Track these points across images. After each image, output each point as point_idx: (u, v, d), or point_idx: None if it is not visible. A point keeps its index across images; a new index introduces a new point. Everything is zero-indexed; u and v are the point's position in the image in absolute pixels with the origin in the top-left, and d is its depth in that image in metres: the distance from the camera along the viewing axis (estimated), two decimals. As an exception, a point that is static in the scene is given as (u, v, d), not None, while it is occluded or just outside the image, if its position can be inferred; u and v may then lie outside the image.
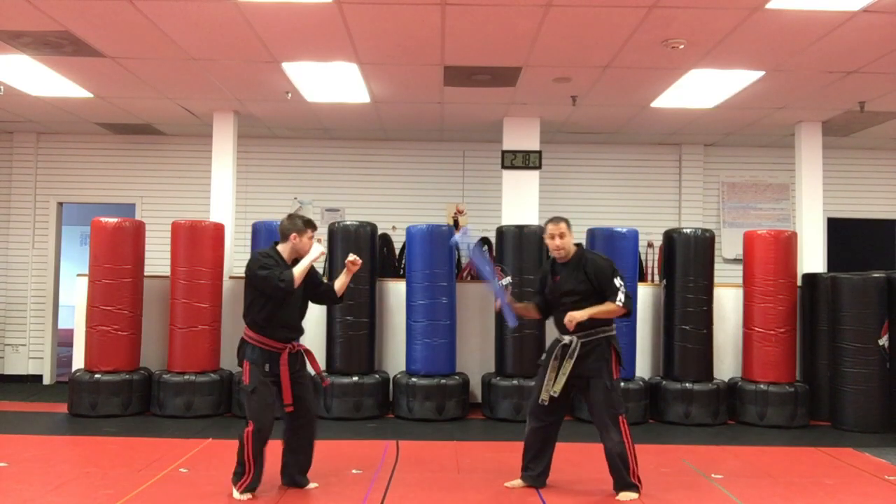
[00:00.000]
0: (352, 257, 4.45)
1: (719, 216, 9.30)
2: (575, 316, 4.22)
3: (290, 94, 7.03)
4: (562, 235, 4.44)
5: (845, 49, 5.56)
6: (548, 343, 4.88)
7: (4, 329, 9.08)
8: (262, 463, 4.29)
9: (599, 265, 4.42)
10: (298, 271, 4.24)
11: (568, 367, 4.30)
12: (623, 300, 4.32)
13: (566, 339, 4.37)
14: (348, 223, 7.35)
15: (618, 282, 4.35)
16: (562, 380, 4.31)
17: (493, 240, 7.62)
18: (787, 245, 7.03)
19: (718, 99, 7.07)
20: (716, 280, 7.27)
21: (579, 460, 5.31)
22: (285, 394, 4.26)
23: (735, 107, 7.34)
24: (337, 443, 5.75)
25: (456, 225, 8.97)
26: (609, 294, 4.35)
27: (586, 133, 8.78)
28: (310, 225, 4.38)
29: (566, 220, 4.48)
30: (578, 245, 4.55)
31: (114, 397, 6.76)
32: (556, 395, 4.34)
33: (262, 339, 4.27)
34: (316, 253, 4.30)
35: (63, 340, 9.37)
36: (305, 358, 4.50)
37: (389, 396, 7.19)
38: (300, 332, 4.45)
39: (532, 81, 6.59)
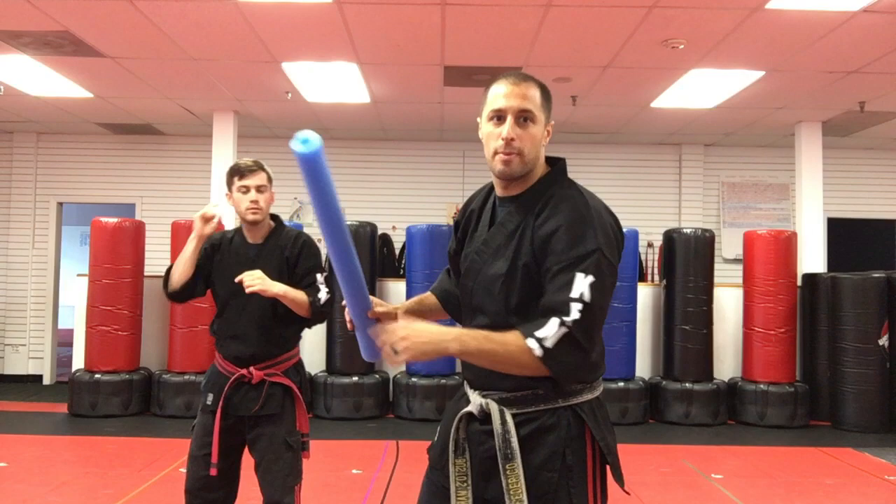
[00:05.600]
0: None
1: (719, 216, 9.30)
2: (410, 351, 1.64)
3: (290, 94, 7.03)
4: (526, 115, 1.74)
5: (845, 49, 5.56)
6: None
7: (4, 329, 9.07)
8: None
9: (567, 220, 1.68)
10: (176, 264, 2.86)
11: (518, 482, 1.67)
12: (552, 343, 1.59)
13: (476, 401, 1.78)
14: (348, 223, 7.35)
15: (578, 287, 1.60)
16: None
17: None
18: (787, 245, 7.03)
19: (718, 99, 7.06)
20: (716, 280, 7.27)
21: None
22: (213, 447, 2.73)
23: (735, 107, 7.34)
24: (337, 443, 5.75)
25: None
26: (546, 303, 1.64)
27: (586, 133, 8.78)
28: (234, 172, 2.84)
29: (541, 85, 1.80)
30: (559, 161, 1.85)
31: (114, 397, 6.76)
32: None
33: (217, 354, 2.91)
34: (194, 228, 2.80)
35: (63, 340, 9.37)
36: (288, 400, 2.81)
37: (389, 396, 7.19)
38: (262, 348, 2.79)
39: (532, 81, 6.59)
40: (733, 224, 9.24)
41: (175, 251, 7.04)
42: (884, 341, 6.65)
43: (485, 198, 1.91)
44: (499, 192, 1.85)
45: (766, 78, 6.34)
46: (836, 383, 6.78)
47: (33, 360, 9.04)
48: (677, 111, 7.61)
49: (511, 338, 1.62)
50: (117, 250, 6.94)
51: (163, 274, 3.00)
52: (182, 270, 2.80)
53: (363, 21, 5.17)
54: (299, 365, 2.92)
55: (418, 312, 2.04)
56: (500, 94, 1.76)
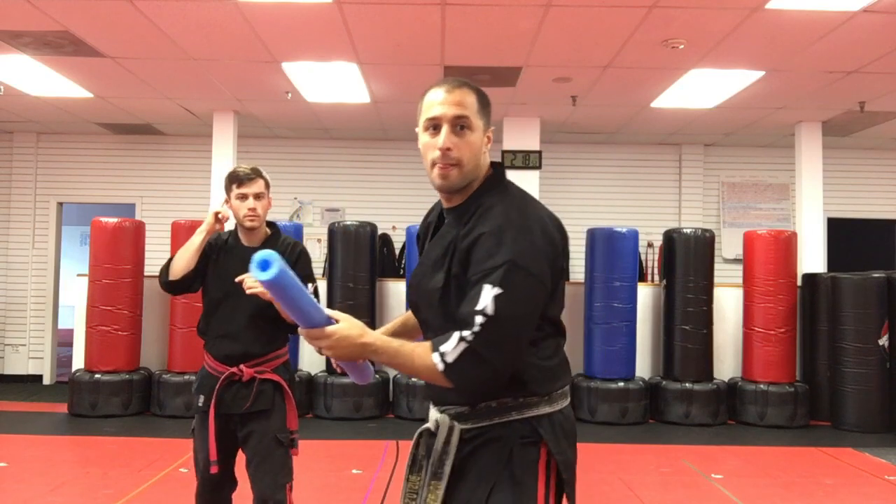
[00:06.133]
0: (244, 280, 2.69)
1: (719, 216, 9.30)
2: (334, 355, 1.64)
3: (290, 94, 7.03)
4: (462, 123, 1.69)
5: (845, 49, 5.56)
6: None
7: (4, 329, 9.07)
8: None
9: (487, 229, 1.64)
10: (180, 255, 2.87)
11: (435, 501, 1.69)
12: (452, 357, 1.55)
13: (433, 416, 1.78)
14: (348, 223, 7.35)
15: (483, 299, 1.55)
16: None
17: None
18: (787, 245, 7.03)
19: (718, 99, 7.06)
20: (716, 280, 7.26)
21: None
22: (210, 446, 2.77)
23: (735, 107, 7.34)
24: (337, 443, 5.76)
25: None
26: (456, 316, 1.60)
27: (586, 133, 8.78)
28: (233, 179, 2.87)
29: (477, 90, 1.75)
30: (496, 165, 1.80)
31: (114, 397, 6.76)
32: None
33: (206, 355, 2.99)
34: (205, 223, 2.82)
35: (63, 340, 9.37)
36: (278, 396, 2.84)
37: (389, 396, 7.19)
38: (253, 346, 2.84)
39: (532, 81, 6.59)
40: (733, 224, 9.24)
41: (175, 251, 7.03)
42: (884, 341, 6.65)
43: (439, 210, 1.88)
44: (443, 203, 1.81)
45: (766, 78, 6.34)
46: (836, 383, 6.78)
47: (33, 360, 9.04)
48: (677, 111, 7.61)
49: (420, 350, 1.60)
50: (117, 250, 6.95)
51: (161, 269, 3.02)
52: (187, 260, 2.83)
53: (363, 21, 5.17)
54: (287, 363, 2.95)
55: (403, 334, 2.01)
56: (434, 102, 1.70)
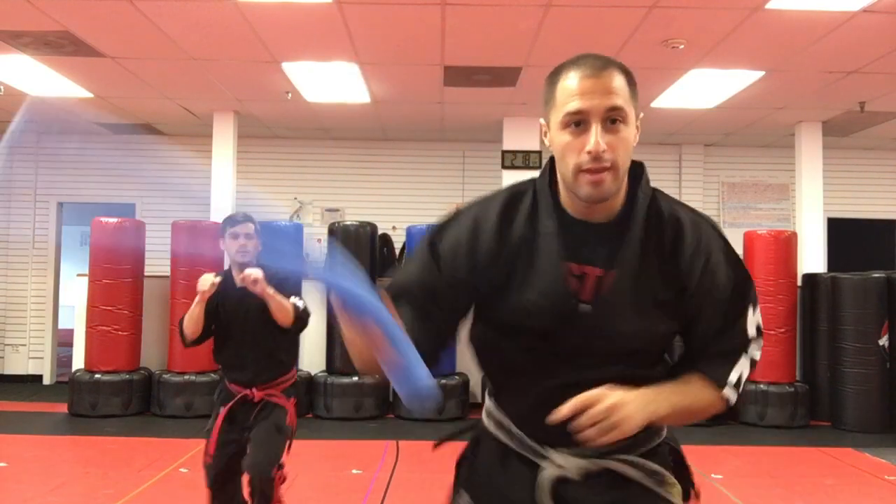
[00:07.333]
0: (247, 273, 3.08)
1: (719, 216, 9.29)
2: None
3: (290, 94, 7.03)
4: (615, 116, 1.36)
5: (845, 49, 5.56)
6: None
7: (4, 329, 9.07)
8: None
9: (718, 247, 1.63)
10: (187, 322, 3.25)
11: None
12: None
13: (557, 462, 1.43)
14: (348, 223, 7.36)
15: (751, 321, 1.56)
16: None
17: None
18: (787, 245, 7.03)
19: (718, 99, 7.06)
20: (716, 280, 7.26)
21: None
22: (210, 442, 3.30)
23: (735, 107, 7.33)
24: (337, 443, 5.76)
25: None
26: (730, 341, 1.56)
27: (586, 133, 8.77)
28: (227, 222, 3.26)
29: (625, 69, 1.39)
30: (638, 166, 1.59)
31: (114, 397, 6.76)
32: None
33: (222, 374, 3.43)
34: (198, 297, 3.18)
35: (63, 340, 9.37)
36: (280, 411, 3.26)
37: (389, 396, 7.19)
38: (260, 375, 3.24)
39: (532, 81, 6.58)
40: (733, 224, 9.23)
41: (175, 251, 7.04)
42: (884, 341, 6.64)
43: (529, 216, 1.41)
44: (571, 214, 1.41)
45: (766, 78, 6.34)
46: (836, 383, 6.78)
47: (33, 360, 9.04)
48: (677, 111, 7.61)
49: (696, 381, 1.54)
50: (117, 250, 6.95)
51: (160, 274, 3.29)
52: (193, 327, 3.24)
53: (363, 21, 5.17)
54: (296, 384, 3.39)
55: None
56: (575, 91, 1.32)
